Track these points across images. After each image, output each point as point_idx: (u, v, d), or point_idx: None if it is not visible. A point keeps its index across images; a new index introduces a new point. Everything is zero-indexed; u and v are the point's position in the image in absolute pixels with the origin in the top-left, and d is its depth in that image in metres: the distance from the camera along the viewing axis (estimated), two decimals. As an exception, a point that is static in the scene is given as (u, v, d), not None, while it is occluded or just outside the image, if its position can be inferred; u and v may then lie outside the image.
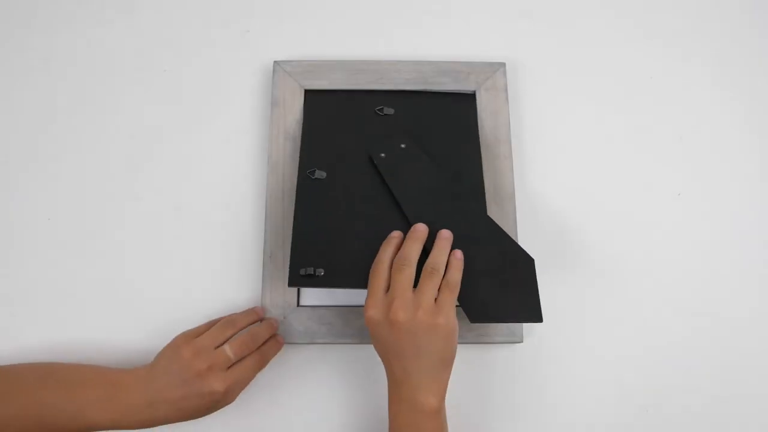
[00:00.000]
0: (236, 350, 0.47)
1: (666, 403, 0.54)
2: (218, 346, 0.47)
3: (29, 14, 0.66)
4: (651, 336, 0.56)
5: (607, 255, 0.58)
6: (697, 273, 0.58)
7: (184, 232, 0.58)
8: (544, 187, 0.60)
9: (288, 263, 0.54)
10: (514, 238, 0.55)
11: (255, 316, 0.52)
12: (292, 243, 0.53)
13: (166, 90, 0.63)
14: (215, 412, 0.47)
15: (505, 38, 0.65)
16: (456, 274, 0.48)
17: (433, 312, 0.45)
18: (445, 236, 0.49)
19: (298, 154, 0.57)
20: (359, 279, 0.50)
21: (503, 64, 0.62)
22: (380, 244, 0.50)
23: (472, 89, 0.60)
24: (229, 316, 0.51)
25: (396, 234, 0.50)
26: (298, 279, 0.51)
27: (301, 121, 0.59)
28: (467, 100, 0.60)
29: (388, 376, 0.47)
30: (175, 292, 0.56)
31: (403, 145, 0.57)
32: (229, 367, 0.47)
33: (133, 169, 0.60)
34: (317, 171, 0.56)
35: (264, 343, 0.50)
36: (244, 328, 0.50)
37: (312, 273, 0.51)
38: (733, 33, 0.66)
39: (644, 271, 0.58)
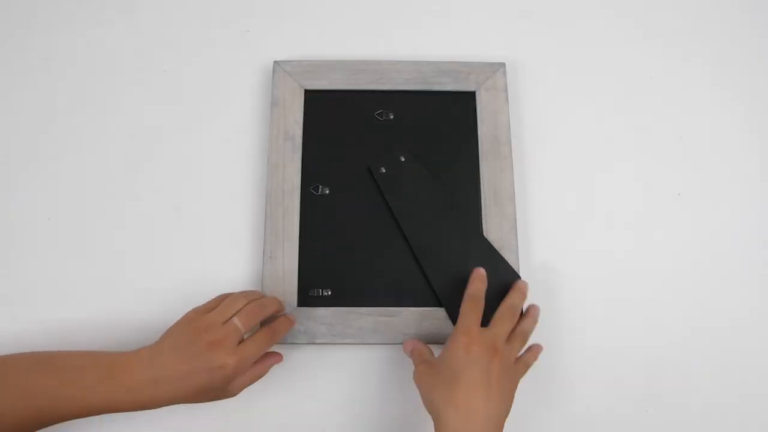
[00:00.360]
0: (244, 321, 0.46)
1: (666, 403, 0.54)
2: (226, 321, 0.46)
3: (29, 14, 0.66)
4: (651, 336, 0.56)
5: (606, 255, 0.58)
6: (697, 273, 0.58)
7: (184, 232, 0.58)
8: (543, 187, 0.60)
9: (287, 264, 0.54)
10: (514, 239, 0.56)
11: (258, 295, 0.51)
12: (299, 265, 0.55)
13: (166, 90, 0.63)
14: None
15: (505, 38, 0.65)
16: (531, 324, 0.51)
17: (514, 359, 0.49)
18: (522, 287, 0.53)
19: (297, 155, 0.58)
20: (364, 298, 0.54)
21: (503, 64, 0.62)
22: (382, 261, 0.55)
23: (472, 89, 0.60)
24: (235, 293, 0.50)
25: (483, 271, 0.53)
26: (307, 300, 0.54)
27: (301, 122, 0.59)
28: (467, 100, 0.60)
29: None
30: (175, 292, 0.56)
31: (402, 159, 0.57)
32: (240, 343, 0.46)
33: (133, 169, 0.60)
34: (321, 187, 0.57)
35: (274, 320, 0.49)
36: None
37: (320, 294, 0.54)
38: (733, 33, 0.66)
39: (644, 271, 0.58)
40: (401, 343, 0.54)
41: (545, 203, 0.59)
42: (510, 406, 0.46)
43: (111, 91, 0.63)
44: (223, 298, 0.49)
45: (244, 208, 0.58)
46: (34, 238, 0.57)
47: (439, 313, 0.54)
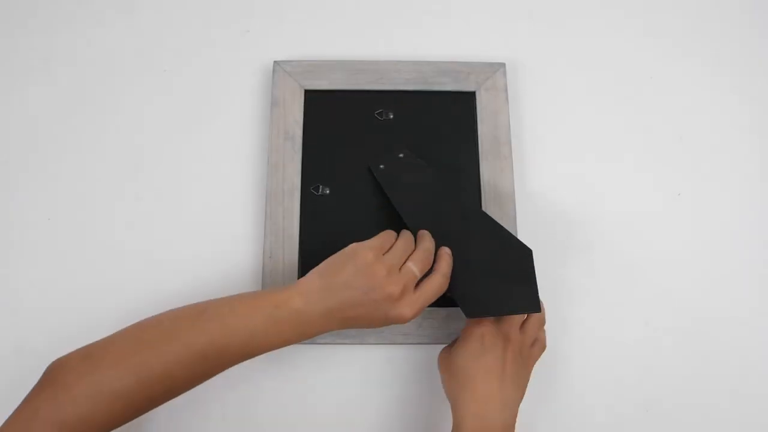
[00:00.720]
0: (420, 267, 0.45)
1: (666, 403, 0.54)
2: (402, 265, 0.45)
3: (29, 14, 0.66)
4: (651, 336, 0.56)
5: (606, 255, 0.58)
6: (697, 273, 0.58)
7: (184, 232, 0.58)
8: (543, 187, 0.60)
9: (287, 264, 0.54)
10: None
11: (410, 234, 0.49)
12: (300, 265, 0.55)
13: (166, 90, 0.63)
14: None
15: (505, 38, 0.65)
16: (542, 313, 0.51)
17: None
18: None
19: (297, 155, 0.58)
20: None
21: (503, 64, 0.61)
22: None
23: (472, 89, 0.60)
24: (390, 233, 0.48)
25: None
26: None
27: (301, 122, 0.59)
28: (467, 100, 0.60)
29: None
30: (175, 292, 0.56)
31: (401, 155, 0.57)
32: (416, 288, 0.45)
33: (133, 169, 0.60)
34: (321, 187, 0.57)
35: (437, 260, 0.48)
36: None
37: None
38: (733, 33, 0.66)
39: (644, 271, 0.58)
40: (401, 344, 0.54)
41: (545, 203, 0.59)
42: (524, 392, 0.48)
43: (111, 91, 0.63)
44: (387, 237, 0.47)
45: (244, 208, 0.58)
46: (34, 238, 0.57)
47: (439, 313, 0.54)
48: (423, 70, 0.61)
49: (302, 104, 0.59)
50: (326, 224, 0.56)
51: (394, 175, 0.57)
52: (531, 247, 0.50)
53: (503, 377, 0.46)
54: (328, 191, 0.57)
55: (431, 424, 0.53)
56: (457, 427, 0.45)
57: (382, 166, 0.57)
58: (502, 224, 0.55)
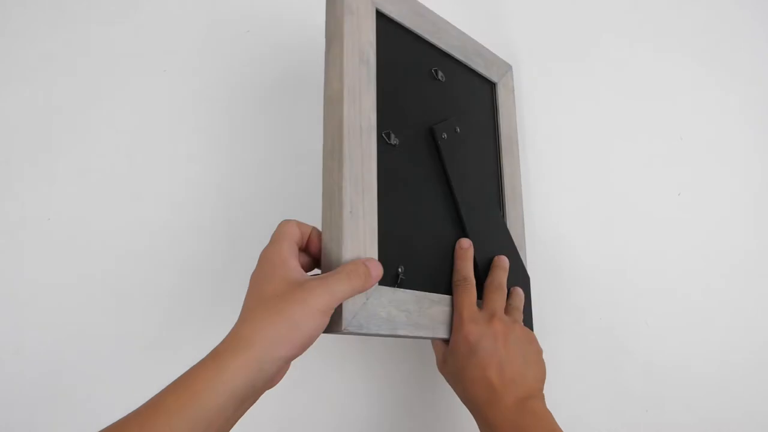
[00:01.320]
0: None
1: (666, 404, 0.54)
2: None
3: (29, 14, 0.65)
4: (651, 336, 0.56)
5: (607, 255, 0.58)
6: (697, 273, 0.58)
7: (184, 232, 0.58)
8: (543, 187, 0.60)
9: (368, 224, 0.43)
10: (521, 238, 0.56)
11: None
12: (380, 234, 0.42)
13: (166, 90, 0.63)
14: None
15: (505, 38, 0.65)
16: (520, 299, 0.50)
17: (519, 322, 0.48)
18: (503, 263, 0.51)
19: (372, 85, 0.44)
20: (436, 283, 0.46)
21: (510, 66, 0.61)
22: (446, 242, 0.48)
23: (495, 80, 0.58)
24: None
25: (468, 244, 0.49)
26: (387, 279, 0.42)
27: (375, 45, 0.45)
28: (489, 90, 0.58)
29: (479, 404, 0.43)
30: (176, 291, 0.55)
31: (457, 129, 0.52)
32: None
33: (133, 169, 0.60)
34: (392, 135, 0.45)
35: None
36: None
37: (398, 273, 0.43)
38: (733, 33, 0.67)
39: (644, 271, 0.58)
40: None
41: (546, 203, 0.59)
42: (542, 368, 0.46)
43: (111, 91, 0.62)
44: None
45: (244, 208, 0.58)
46: (34, 238, 0.57)
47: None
48: (466, 45, 0.55)
49: (374, 25, 0.45)
50: (400, 195, 0.45)
51: (454, 152, 0.51)
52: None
53: (501, 367, 0.43)
54: (397, 142, 0.45)
55: (431, 423, 0.53)
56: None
57: (444, 135, 0.50)
58: (511, 224, 0.55)
